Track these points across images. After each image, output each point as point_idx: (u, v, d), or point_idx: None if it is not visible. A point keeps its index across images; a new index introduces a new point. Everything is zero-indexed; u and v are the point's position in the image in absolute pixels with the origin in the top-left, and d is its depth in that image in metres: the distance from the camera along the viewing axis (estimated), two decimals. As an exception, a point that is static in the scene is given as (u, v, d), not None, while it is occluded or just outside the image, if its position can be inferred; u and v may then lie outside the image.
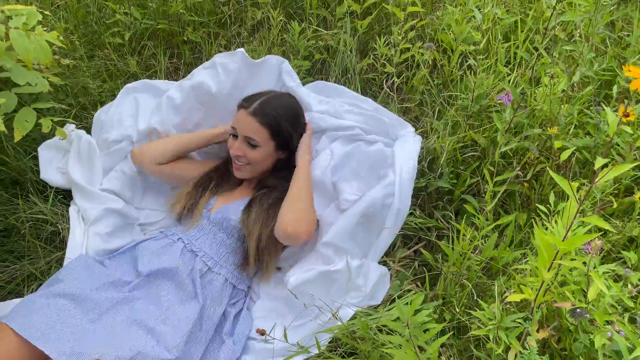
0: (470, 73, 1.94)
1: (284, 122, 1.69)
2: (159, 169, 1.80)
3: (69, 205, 1.80)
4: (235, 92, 1.87)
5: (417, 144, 1.70)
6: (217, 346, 1.54)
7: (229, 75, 1.85)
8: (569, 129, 1.65)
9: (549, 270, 1.08)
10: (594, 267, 1.04)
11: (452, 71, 2.05)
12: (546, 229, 1.22)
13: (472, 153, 1.72)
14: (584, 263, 1.05)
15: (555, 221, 1.22)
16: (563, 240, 1.02)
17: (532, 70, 1.45)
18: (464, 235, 1.48)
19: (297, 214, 1.57)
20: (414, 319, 1.04)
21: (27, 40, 1.44)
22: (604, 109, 1.51)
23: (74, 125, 1.98)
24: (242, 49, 1.85)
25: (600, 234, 0.99)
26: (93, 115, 1.99)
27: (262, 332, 1.17)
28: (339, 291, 1.50)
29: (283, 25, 2.19)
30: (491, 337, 1.24)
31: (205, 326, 1.51)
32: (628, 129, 1.21)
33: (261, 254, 1.64)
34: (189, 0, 2.35)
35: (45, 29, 1.56)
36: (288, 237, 1.54)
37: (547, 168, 1.25)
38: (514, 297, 1.11)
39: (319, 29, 2.16)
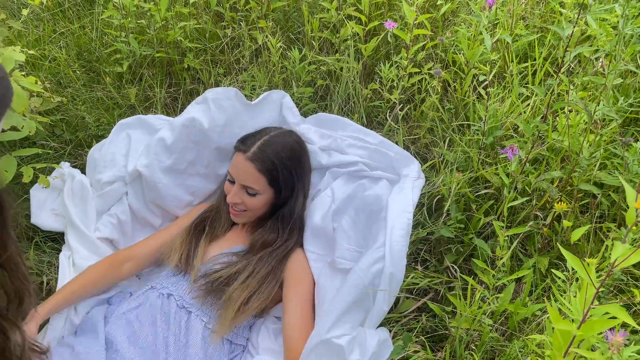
0: (485, 99, 1.78)
1: (284, 168, 1.57)
2: (130, 273, 1.67)
3: (58, 251, 1.72)
4: (230, 129, 1.76)
5: (417, 190, 1.55)
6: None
7: (222, 111, 1.74)
8: (596, 163, 1.47)
9: (565, 355, 0.93)
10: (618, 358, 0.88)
11: (464, 96, 1.89)
12: (564, 301, 1.06)
13: (486, 191, 1.56)
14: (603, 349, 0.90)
15: (575, 288, 1.06)
16: (579, 328, 0.87)
17: (548, 104, 1.29)
18: (473, 289, 1.33)
19: None
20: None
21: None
22: (633, 144, 1.33)
23: (68, 164, 1.91)
24: (234, 89, 1.73)
25: (621, 321, 0.83)
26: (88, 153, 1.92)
27: None
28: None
29: (283, 52, 2.07)
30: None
31: None
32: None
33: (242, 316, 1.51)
34: (188, 27, 2.26)
35: (26, 69, 1.48)
36: None
37: (558, 245, 1.10)
38: (525, 384, 0.96)
39: (320, 57, 2.02)
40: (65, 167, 1.88)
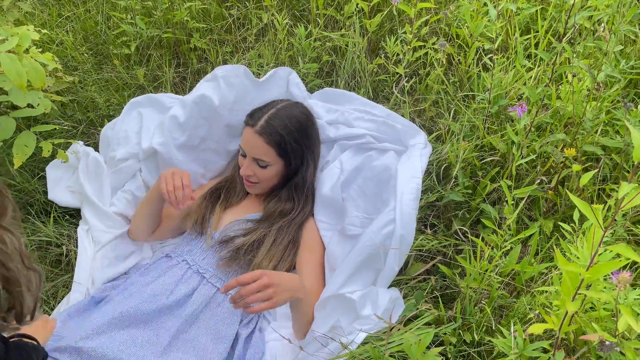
0: (489, 69, 1.82)
1: (292, 138, 1.62)
2: (158, 235, 1.79)
3: (76, 225, 1.77)
4: (239, 106, 1.80)
5: (425, 158, 1.60)
6: (229, 371, 1.49)
7: (231, 88, 1.78)
8: (597, 129, 1.52)
9: (573, 299, 0.98)
10: (624, 298, 0.93)
11: (468, 68, 1.93)
12: (569, 253, 1.11)
13: (492, 158, 1.61)
14: (612, 289, 0.95)
15: (581, 240, 1.11)
16: (587, 270, 0.92)
17: (553, 70, 1.33)
18: (483, 251, 1.37)
19: (302, 330, 1.48)
20: (425, 358, 0.95)
21: (19, 64, 1.40)
22: (634, 108, 1.38)
23: (81, 142, 1.95)
24: (242, 66, 1.77)
25: (628, 261, 0.88)
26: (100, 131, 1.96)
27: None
28: (349, 319, 1.41)
29: (289, 29, 2.10)
30: (513, 367, 1.15)
31: (220, 349, 1.47)
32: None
33: None
34: (195, 7, 2.29)
35: (39, 50, 1.52)
36: None
37: (567, 192, 1.14)
38: (536, 328, 1.02)
39: (326, 32, 2.06)
40: (79, 145, 1.92)
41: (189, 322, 1.49)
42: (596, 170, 0.97)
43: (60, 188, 1.86)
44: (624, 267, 0.95)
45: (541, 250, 1.49)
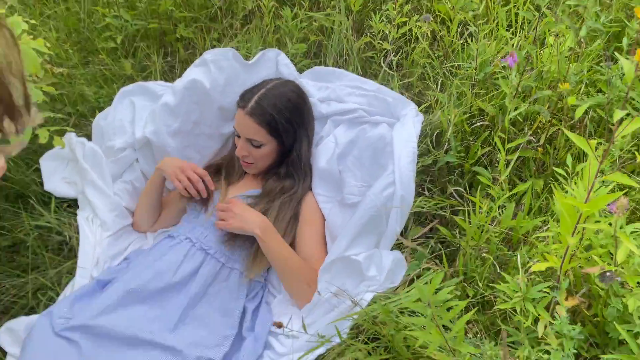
0: (472, 41, 1.88)
1: (282, 117, 1.65)
2: (162, 224, 1.83)
3: (75, 215, 1.78)
4: (231, 88, 1.83)
5: (418, 125, 1.65)
6: (238, 343, 1.51)
7: (222, 71, 1.81)
8: (580, 88, 1.58)
9: (573, 234, 1.03)
10: (621, 228, 0.98)
11: (452, 41, 1.98)
12: (566, 192, 1.16)
13: (481, 123, 1.66)
14: (610, 224, 1.00)
15: (575, 183, 1.16)
16: (585, 202, 0.97)
17: (536, 30, 1.38)
18: (480, 207, 1.42)
19: (297, 292, 1.55)
20: (436, 298, 0.99)
21: (14, 50, 1.40)
22: (615, 63, 1.44)
23: (74, 134, 1.95)
24: (231, 49, 1.80)
25: (623, 192, 0.93)
26: (92, 123, 1.96)
27: (279, 325, 1.14)
28: (354, 282, 1.45)
29: (275, 12, 2.14)
30: (518, 310, 1.19)
31: (229, 322, 1.49)
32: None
33: None
34: (178, -3, 2.31)
35: (31, 37, 1.52)
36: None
37: (562, 128, 1.19)
38: (539, 266, 1.06)
39: (311, 12, 2.10)
40: (72, 136, 1.92)
41: (197, 298, 1.51)
42: (587, 104, 1.01)
43: (56, 179, 1.86)
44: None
45: (534, 208, 1.55)
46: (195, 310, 1.51)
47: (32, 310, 1.57)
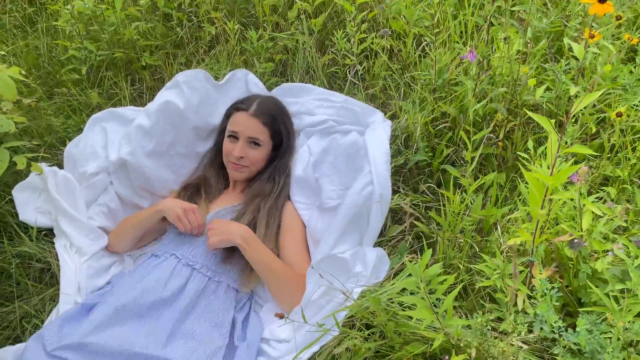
0: (430, 51, 2.02)
1: (281, 121, 1.79)
2: (141, 244, 1.86)
3: (53, 242, 1.76)
4: (204, 108, 1.90)
5: (387, 129, 1.76)
6: (230, 353, 1.53)
7: (194, 92, 1.88)
8: (531, 87, 1.73)
9: (542, 207, 1.14)
10: (584, 197, 1.09)
11: (409, 54, 2.12)
12: (531, 167, 1.28)
13: (444, 124, 1.78)
14: (575, 192, 1.11)
15: (540, 165, 1.28)
16: (550, 176, 1.08)
17: (488, 34, 1.52)
18: (450, 200, 1.52)
19: (285, 297, 1.59)
20: (427, 273, 1.07)
21: (-9, 77, 1.42)
22: (558, 62, 1.59)
23: (44, 163, 1.95)
24: (202, 70, 1.88)
25: (583, 162, 1.05)
26: (62, 152, 1.97)
27: (281, 316, 1.18)
28: (342, 279, 1.51)
29: (240, 34, 2.23)
30: (498, 286, 1.28)
31: (220, 333, 1.51)
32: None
33: None
34: (141, 27, 2.36)
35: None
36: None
37: (526, 111, 1.29)
38: (513, 240, 1.16)
39: (275, 33, 2.20)
40: (44, 166, 1.92)
41: (186, 312, 1.53)
42: (546, 84, 1.13)
43: (30, 209, 1.85)
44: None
45: (500, 199, 1.67)
46: (186, 324, 1.52)
47: (17, 340, 1.54)
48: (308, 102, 1.93)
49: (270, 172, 1.79)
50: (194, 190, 1.81)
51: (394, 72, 2.06)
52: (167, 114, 1.87)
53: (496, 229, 1.50)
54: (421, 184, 1.74)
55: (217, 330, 1.54)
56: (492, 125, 1.74)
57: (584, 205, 1.07)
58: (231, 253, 1.62)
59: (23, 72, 1.56)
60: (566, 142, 1.45)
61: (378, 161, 1.57)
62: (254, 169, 1.78)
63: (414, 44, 2.12)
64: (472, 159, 1.65)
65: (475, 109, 1.48)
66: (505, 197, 1.66)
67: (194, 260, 1.61)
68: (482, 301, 1.41)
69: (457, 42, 1.87)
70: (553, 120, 1.03)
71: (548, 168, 1.12)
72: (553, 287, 1.03)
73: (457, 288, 1.16)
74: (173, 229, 1.73)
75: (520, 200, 1.51)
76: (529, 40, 1.49)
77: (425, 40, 2.07)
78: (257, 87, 1.99)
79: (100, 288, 1.69)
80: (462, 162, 1.76)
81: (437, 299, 1.19)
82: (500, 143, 1.65)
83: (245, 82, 2.00)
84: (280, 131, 1.78)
